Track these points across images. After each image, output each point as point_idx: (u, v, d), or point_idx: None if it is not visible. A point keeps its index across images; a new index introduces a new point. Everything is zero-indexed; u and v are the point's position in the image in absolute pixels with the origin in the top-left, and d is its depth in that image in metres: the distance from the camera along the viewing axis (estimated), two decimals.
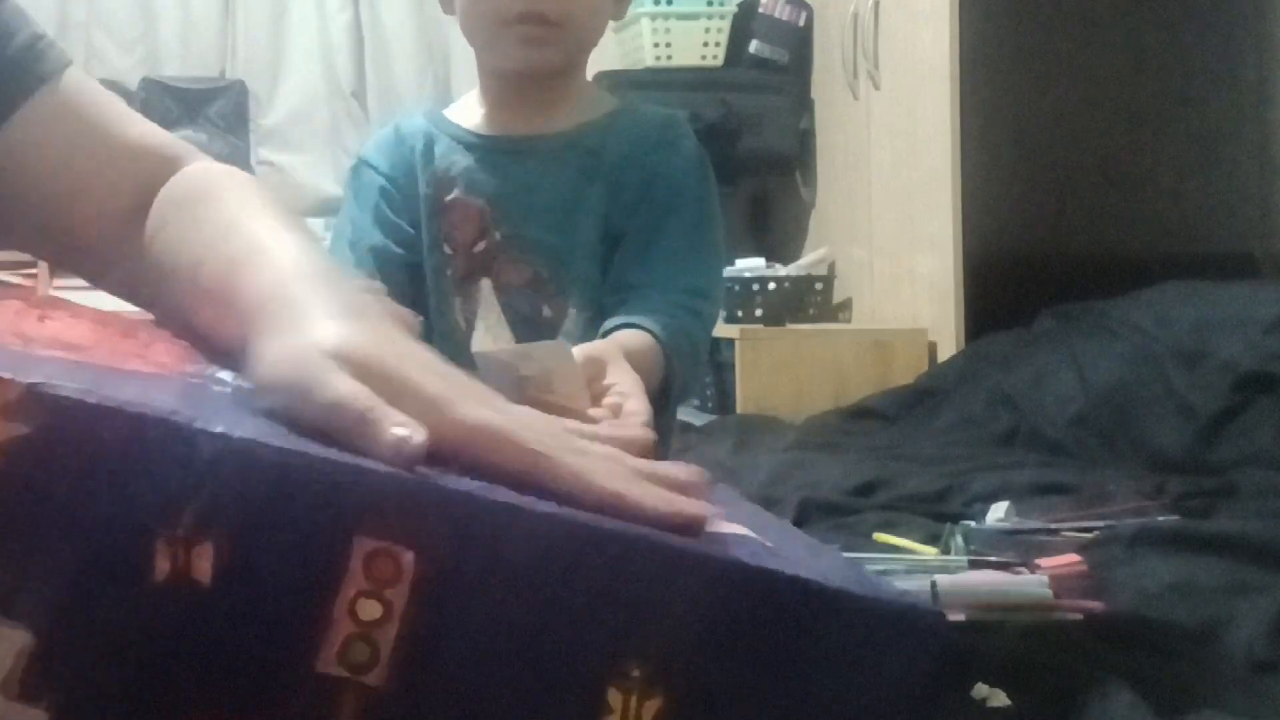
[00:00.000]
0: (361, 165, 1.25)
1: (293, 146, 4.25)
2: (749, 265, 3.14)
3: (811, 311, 3.08)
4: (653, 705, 0.50)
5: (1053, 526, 1.48)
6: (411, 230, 1.20)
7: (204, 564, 0.49)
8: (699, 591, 0.51)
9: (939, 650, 0.53)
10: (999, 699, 0.92)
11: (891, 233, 2.94)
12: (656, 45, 3.30)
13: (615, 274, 1.15)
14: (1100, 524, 1.45)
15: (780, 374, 2.65)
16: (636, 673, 0.50)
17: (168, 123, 3.87)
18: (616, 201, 1.17)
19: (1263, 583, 1.18)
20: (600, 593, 0.51)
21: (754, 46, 3.35)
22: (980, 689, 0.94)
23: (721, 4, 3.38)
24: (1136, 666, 0.99)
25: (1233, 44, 2.88)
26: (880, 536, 1.48)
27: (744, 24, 3.37)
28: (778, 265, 3.20)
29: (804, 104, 3.40)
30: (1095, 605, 1.15)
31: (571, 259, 1.14)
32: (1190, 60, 2.87)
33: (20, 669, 0.48)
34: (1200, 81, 2.87)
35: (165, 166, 0.81)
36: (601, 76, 3.05)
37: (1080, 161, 2.87)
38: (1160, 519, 1.48)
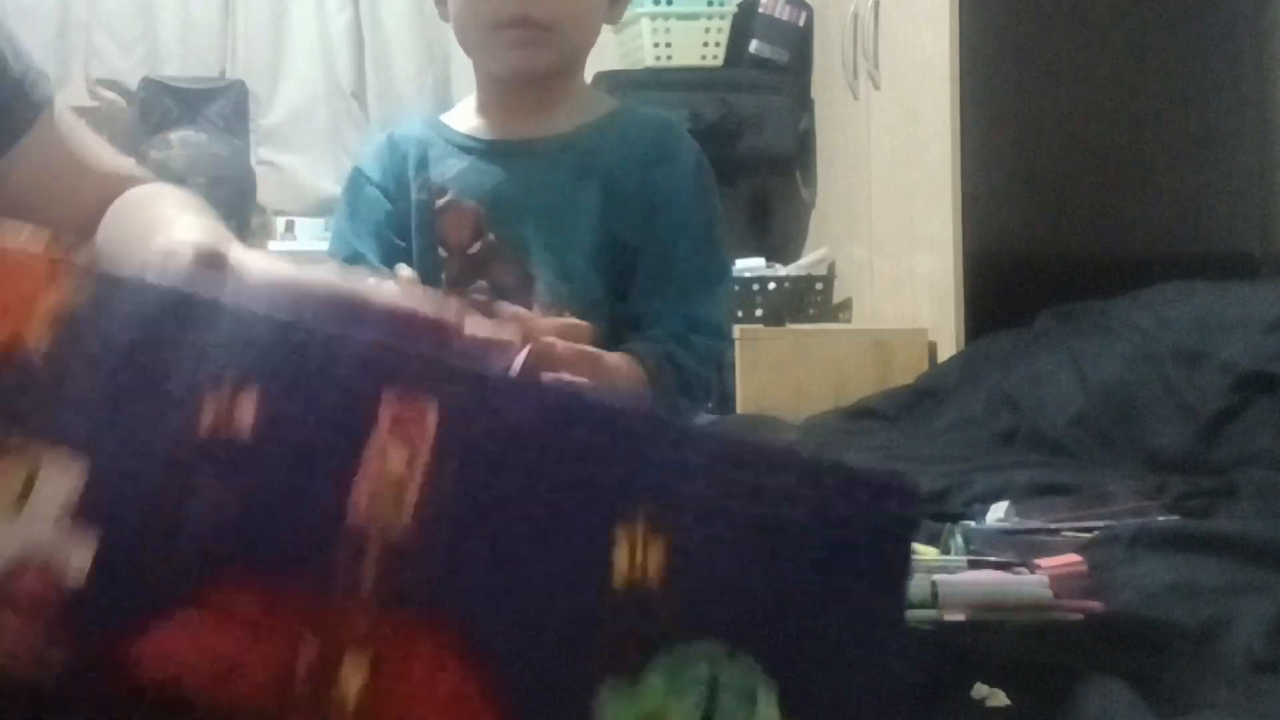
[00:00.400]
0: (356, 173, 1.25)
1: (293, 146, 4.25)
2: (749, 265, 3.14)
3: (811, 311, 3.08)
4: (656, 549, 0.55)
5: (1053, 526, 1.48)
6: (400, 241, 1.20)
7: (246, 416, 0.55)
8: (691, 453, 0.56)
9: (909, 515, 0.58)
10: (999, 699, 0.92)
11: (891, 233, 2.94)
12: (656, 45, 3.30)
13: (630, 302, 1.16)
14: (1100, 524, 1.45)
15: (780, 374, 2.65)
16: (641, 517, 0.55)
17: (168, 123, 3.87)
18: (612, 203, 1.17)
19: (1263, 583, 1.18)
20: (598, 450, 0.56)
21: (754, 46, 3.35)
22: (980, 689, 0.94)
23: (721, 4, 3.38)
24: (1136, 666, 0.99)
25: (1233, 44, 2.88)
26: None
27: (744, 24, 3.37)
28: (778, 265, 3.20)
29: (804, 104, 3.40)
30: (1095, 605, 1.15)
31: (567, 260, 1.14)
32: (1190, 60, 2.87)
33: (78, 494, 0.53)
34: (1200, 81, 2.87)
35: (123, 186, 0.92)
36: (601, 76, 3.05)
37: (1080, 161, 2.87)
38: (1160, 519, 1.48)
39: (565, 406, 0.57)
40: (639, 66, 3.30)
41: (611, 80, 3.04)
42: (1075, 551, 1.31)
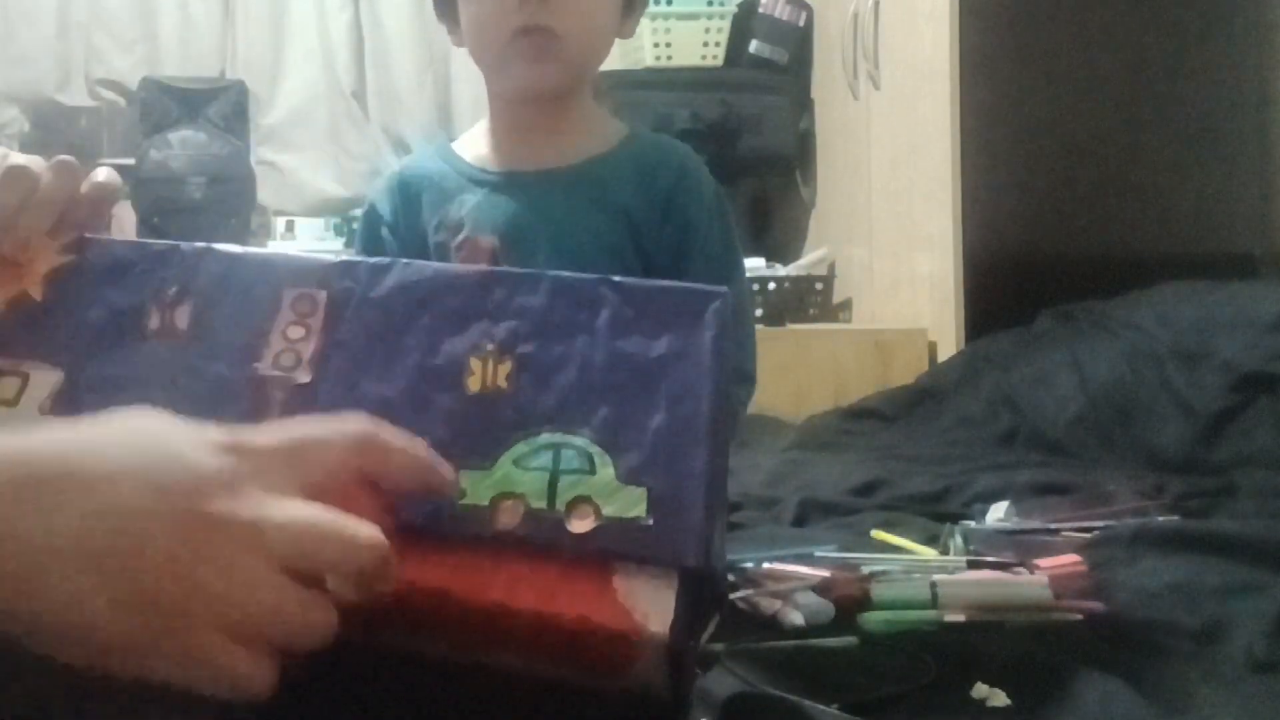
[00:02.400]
0: (369, 210, 1.25)
1: (293, 146, 4.25)
2: (749, 265, 3.13)
3: (811, 311, 3.08)
4: (505, 366, 0.70)
5: (1053, 526, 1.48)
6: None
7: (183, 319, 0.74)
8: (538, 295, 0.72)
9: (718, 315, 0.71)
10: (999, 699, 0.92)
11: (891, 233, 2.94)
12: (656, 45, 3.30)
13: None
14: (1100, 524, 1.45)
15: (780, 374, 2.65)
16: (490, 348, 0.71)
17: (168, 123, 3.88)
18: (630, 236, 1.17)
19: (1263, 583, 1.18)
20: (462, 308, 0.72)
21: (754, 46, 3.35)
22: (980, 689, 0.94)
23: (721, 4, 3.38)
24: (1136, 666, 0.99)
25: (1233, 44, 2.88)
26: (877, 534, 1.48)
27: (744, 24, 3.37)
28: (778, 265, 3.20)
29: (804, 104, 3.40)
30: (1095, 605, 1.15)
31: None
32: (1190, 60, 2.87)
33: (51, 398, 0.71)
34: (1200, 81, 2.87)
35: None
36: (601, 76, 3.05)
37: (1080, 161, 2.87)
38: (1160, 519, 1.48)
39: (422, 282, 0.73)
40: (639, 66, 3.30)
41: (612, 80, 3.04)
42: (1075, 551, 1.31)
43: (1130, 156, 2.88)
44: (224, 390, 0.71)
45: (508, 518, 0.65)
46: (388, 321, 0.72)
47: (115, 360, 0.72)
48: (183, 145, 3.85)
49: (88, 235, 0.77)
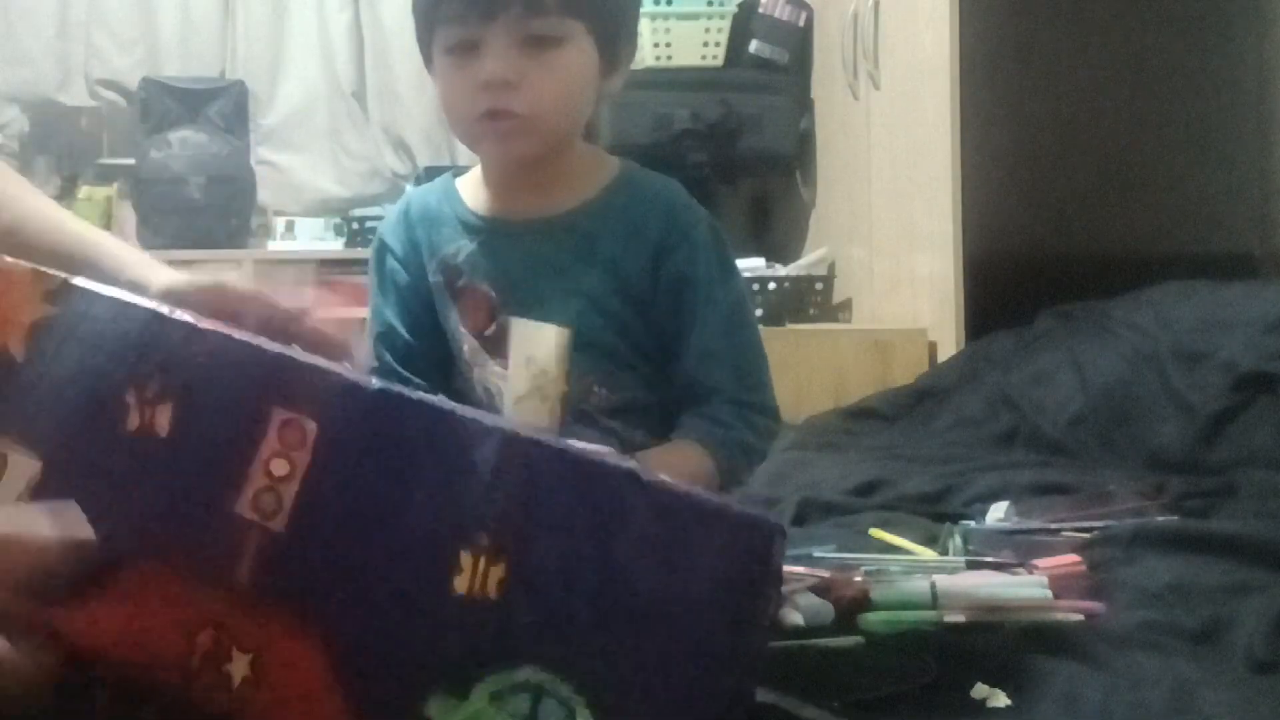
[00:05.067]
0: (379, 243, 1.26)
1: (293, 146, 4.25)
2: (749, 265, 3.14)
3: (811, 311, 3.08)
4: (498, 570, 0.62)
5: (1052, 526, 1.48)
6: (421, 312, 1.23)
7: (164, 420, 0.67)
8: (534, 474, 0.63)
9: (753, 555, 0.60)
10: (999, 699, 0.92)
11: (891, 233, 2.94)
12: (656, 45, 3.30)
13: (679, 374, 1.20)
14: (1100, 524, 1.45)
15: (780, 374, 2.63)
16: (485, 541, 0.62)
17: (168, 123, 3.88)
18: (616, 289, 1.18)
19: (1263, 583, 1.18)
20: (455, 469, 0.63)
21: (754, 46, 3.35)
22: (980, 689, 0.94)
23: (721, 4, 3.38)
24: (1136, 666, 0.99)
25: (1233, 44, 2.88)
26: (875, 532, 1.48)
27: (744, 24, 3.37)
28: (778, 265, 3.20)
29: (804, 104, 3.40)
30: (1095, 605, 1.15)
31: (581, 342, 1.13)
32: (1190, 60, 2.87)
33: (29, 488, 0.66)
34: (1200, 81, 2.87)
35: None
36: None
37: (1080, 161, 2.87)
38: (1160, 519, 1.47)
39: (422, 427, 0.65)
40: (639, 66, 3.29)
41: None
42: (1075, 551, 1.31)
43: (1130, 156, 2.88)
44: (200, 523, 0.65)
45: None
46: (379, 475, 0.64)
47: (93, 452, 0.67)
48: (183, 145, 3.85)
49: (72, 281, 0.71)
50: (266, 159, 4.18)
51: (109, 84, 4.14)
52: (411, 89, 4.25)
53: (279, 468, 0.65)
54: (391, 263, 1.25)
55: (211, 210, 3.81)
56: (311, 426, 0.66)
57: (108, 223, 3.80)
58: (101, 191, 3.95)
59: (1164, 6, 2.89)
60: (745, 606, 0.60)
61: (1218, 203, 2.87)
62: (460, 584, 0.62)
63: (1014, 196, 2.78)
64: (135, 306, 0.70)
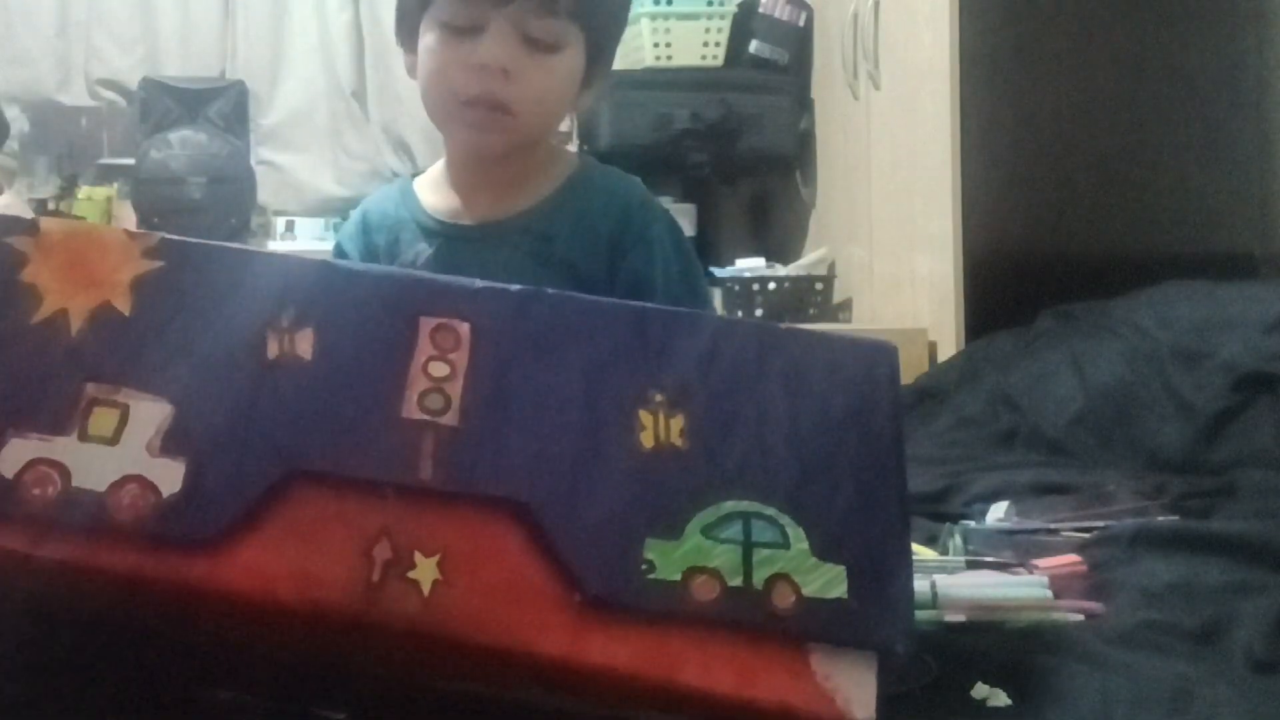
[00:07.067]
0: (337, 249, 1.27)
1: (293, 146, 4.25)
2: (749, 265, 3.14)
3: (811, 311, 3.08)
4: (677, 421, 0.66)
5: (1053, 526, 1.48)
6: None
7: (306, 345, 0.66)
8: (683, 338, 0.67)
9: (893, 374, 0.68)
10: (999, 699, 0.92)
11: (891, 233, 2.94)
12: (656, 45, 3.30)
13: None
14: (1100, 524, 1.45)
15: None
16: (659, 398, 0.66)
17: (168, 123, 3.87)
18: (578, 287, 1.15)
19: (1263, 583, 1.18)
20: (611, 346, 0.67)
21: (754, 46, 3.35)
22: (980, 689, 0.94)
23: (721, 4, 3.38)
24: (1136, 666, 0.99)
25: (1233, 44, 2.88)
26: None
27: (744, 24, 3.37)
28: (778, 265, 3.20)
29: (804, 104, 3.40)
30: (1095, 605, 1.15)
31: None
32: (1190, 60, 2.87)
33: (161, 437, 0.64)
34: (1200, 81, 2.87)
35: None
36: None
37: (1080, 161, 2.87)
38: (1160, 519, 1.48)
39: (572, 317, 0.68)
40: (639, 66, 3.30)
41: (612, 80, 3.04)
42: (1075, 551, 1.31)
43: (1130, 156, 2.88)
44: (366, 432, 0.65)
45: (703, 595, 0.61)
46: (540, 362, 0.67)
47: (233, 387, 0.65)
48: (183, 145, 3.85)
49: (168, 237, 0.71)
50: (266, 159, 4.17)
51: (109, 84, 4.14)
52: (411, 89, 4.21)
53: (438, 370, 0.67)
54: None
55: (211, 210, 3.81)
56: (465, 328, 0.68)
57: (108, 223, 3.80)
58: (101, 191, 3.95)
59: (1164, 6, 2.89)
60: (890, 413, 0.66)
61: (1218, 203, 2.87)
62: (646, 439, 0.65)
63: (1014, 196, 2.78)
64: (241, 250, 0.71)
